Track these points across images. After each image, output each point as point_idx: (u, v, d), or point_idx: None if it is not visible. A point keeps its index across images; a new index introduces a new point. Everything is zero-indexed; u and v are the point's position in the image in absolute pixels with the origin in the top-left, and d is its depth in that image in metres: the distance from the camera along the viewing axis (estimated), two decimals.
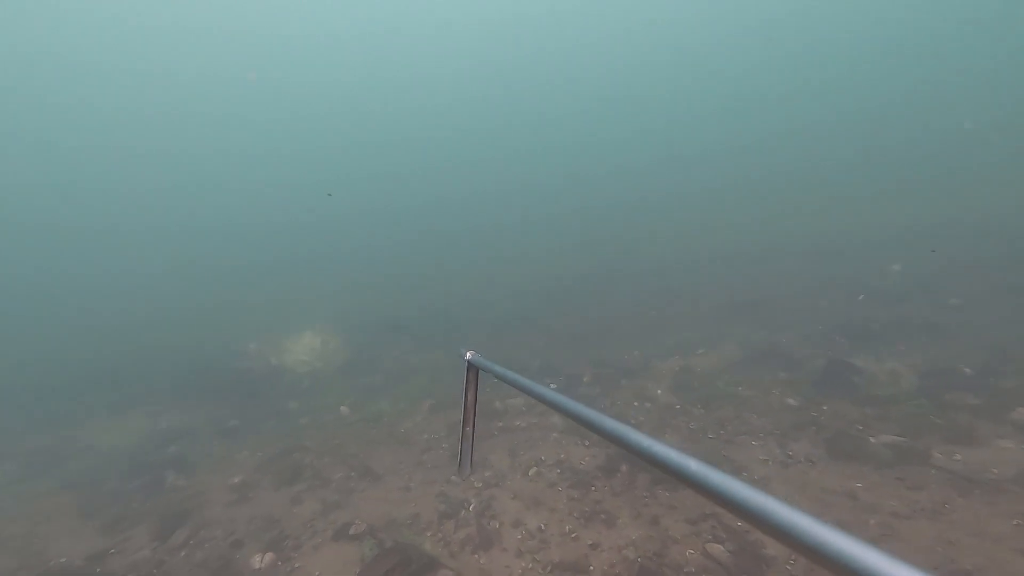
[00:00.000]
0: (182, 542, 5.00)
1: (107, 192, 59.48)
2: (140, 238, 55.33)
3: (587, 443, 5.75)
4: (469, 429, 1.69)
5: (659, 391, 6.92)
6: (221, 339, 13.79)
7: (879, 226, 15.49)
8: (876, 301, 8.96)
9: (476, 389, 1.64)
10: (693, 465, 0.56)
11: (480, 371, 1.56)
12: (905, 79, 51.05)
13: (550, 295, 13.87)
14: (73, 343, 17.35)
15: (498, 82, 66.09)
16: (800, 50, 56.55)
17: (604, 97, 64.44)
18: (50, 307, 29.72)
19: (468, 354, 1.57)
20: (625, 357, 8.47)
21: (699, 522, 3.99)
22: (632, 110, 64.32)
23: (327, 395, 9.71)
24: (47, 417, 9.86)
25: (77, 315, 24.52)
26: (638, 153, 58.43)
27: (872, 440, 4.50)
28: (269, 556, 4.44)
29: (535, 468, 5.40)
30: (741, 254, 15.04)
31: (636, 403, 6.66)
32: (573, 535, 4.15)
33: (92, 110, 55.90)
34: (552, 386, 1.47)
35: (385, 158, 69.54)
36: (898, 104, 46.49)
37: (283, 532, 4.87)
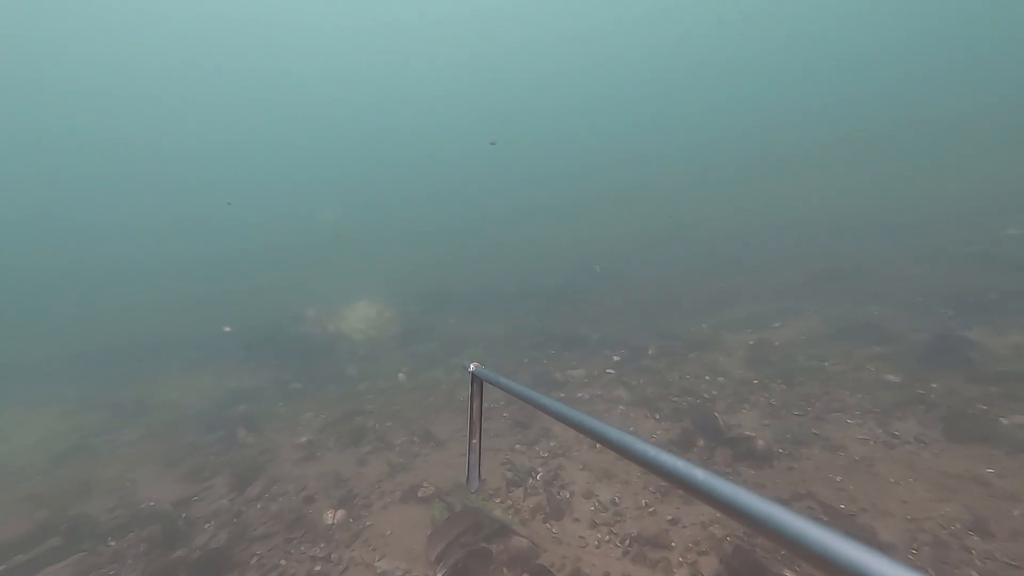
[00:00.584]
0: (257, 495, 5.22)
1: (172, 187, 64.94)
2: (209, 228, 59.78)
3: (657, 416, 5.48)
4: (476, 442, 1.66)
5: (732, 365, 6.50)
6: (282, 309, 14.39)
7: (984, 192, 13.83)
8: (992, 268, 7.99)
9: (481, 401, 1.61)
10: (700, 475, 0.55)
11: (484, 383, 1.53)
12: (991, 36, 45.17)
13: (609, 269, 13.42)
14: (148, 316, 18.82)
15: (553, 62, 63.93)
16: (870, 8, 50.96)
17: (659, 72, 61.13)
18: (130, 287, 32.43)
19: (472, 366, 1.52)
20: (692, 330, 8.05)
21: (793, 502, 3.67)
22: (692, 84, 60.59)
23: (384, 362, 9.90)
24: (129, 373, 10.71)
25: (151, 293, 26.69)
26: (699, 128, 55.29)
27: (1004, 421, 3.96)
28: (341, 513, 4.54)
29: None
30: (814, 226, 13.87)
31: (707, 377, 6.29)
32: (650, 509, 3.95)
33: (151, 110, 59.78)
34: (560, 396, 1.42)
35: (444, 141, 69.60)
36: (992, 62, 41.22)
37: (352, 491, 4.97)
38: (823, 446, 4.33)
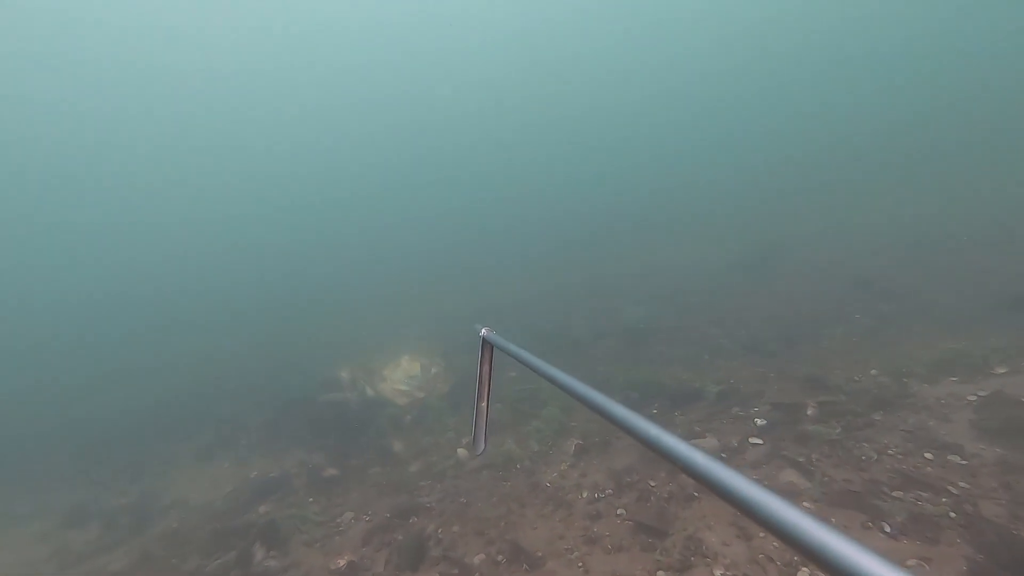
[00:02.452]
0: None
1: (168, 218, 62.44)
2: (209, 260, 56.20)
3: (888, 527, 3.62)
4: (484, 405, 1.77)
5: (959, 434, 4.56)
6: (307, 367, 13.06)
7: None
8: None
9: (491, 366, 1.70)
10: (700, 459, 0.56)
11: (495, 348, 1.58)
12: None
13: (695, 300, 11.55)
14: (154, 381, 17.35)
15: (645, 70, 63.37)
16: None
17: (754, 80, 59.19)
18: (131, 345, 27.86)
19: (483, 330, 1.61)
20: (856, 379, 6.11)
21: None
22: (784, 92, 58.10)
23: (437, 432, 8.27)
24: (130, 462, 9.35)
25: (156, 351, 24.32)
26: (798, 137, 52.75)
27: None
28: None
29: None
30: (963, 238, 11.49)
31: (928, 455, 4.39)
32: None
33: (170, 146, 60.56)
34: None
35: (491, 156, 69.20)
36: None
37: None
38: None
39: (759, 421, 5.72)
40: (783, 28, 55.86)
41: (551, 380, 0.98)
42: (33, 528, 8.04)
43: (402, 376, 10.41)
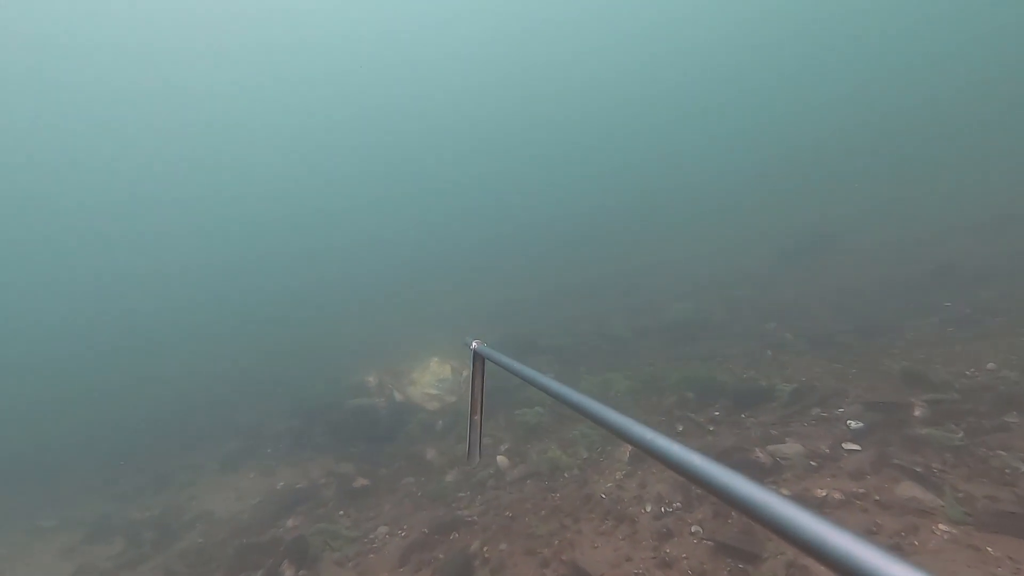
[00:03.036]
0: None
1: (189, 224, 62.57)
2: (231, 265, 55.44)
3: None
4: (477, 418, 1.81)
5: None
6: (332, 372, 12.66)
7: None
8: None
9: (483, 378, 1.74)
10: (697, 460, 0.56)
11: (486, 360, 1.62)
12: None
13: (747, 288, 10.71)
14: (178, 388, 17.01)
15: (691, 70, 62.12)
16: None
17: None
18: (154, 352, 26.92)
19: (474, 343, 1.64)
20: (971, 373, 5.30)
21: None
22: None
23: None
24: (156, 472, 9.01)
25: (178, 358, 23.25)
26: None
27: None
28: None
29: None
30: None
31: None
32: None
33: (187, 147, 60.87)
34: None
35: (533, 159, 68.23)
36: None
37: None
38: None
39: (852, 423, 4.95)
40: (815, 9, 53.58)
41: (544, 390, 0.99)
42: (57, 542, 7.75)
43: (431, 379, 9.88)
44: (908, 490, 3.82)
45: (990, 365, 5.26)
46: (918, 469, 3.99)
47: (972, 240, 10.06)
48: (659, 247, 21.31)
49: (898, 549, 3.34)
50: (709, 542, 4.07)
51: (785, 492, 4.36)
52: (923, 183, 16.82)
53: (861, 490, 4.04)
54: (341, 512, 6.16)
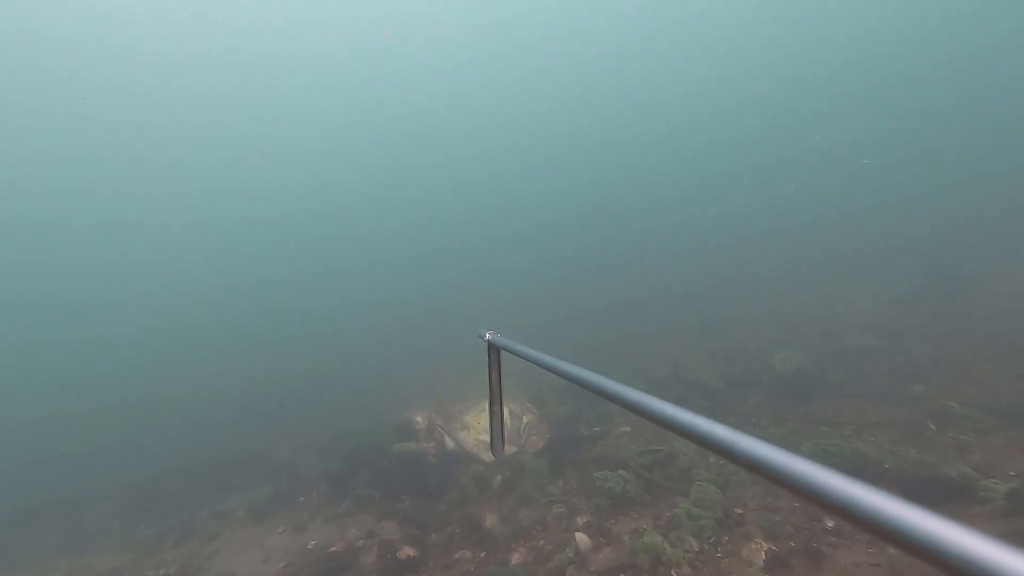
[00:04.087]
0: None
1: (220, 249, 61.80)
2: (265, 288, 53.64)
3: None
4: (497, 409, 1.83)
5: None
6: (375, 407, 11.73)
7: None
8: None
9: (499, 370, 1.75)
10: (721, 431, 0.57)
11: (501, 351, 1.64)
12: None
13: (870, 338, 9.11)
14: (208, 417, 16.12)
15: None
16: None
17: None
18: (185, 378, 24.94)
19: (488, 335, 1.65)
20: None
21: None
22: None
23: (538, 503, 6.52)
24: (184, 523, 8.14)
25: (210, 385, 21.66)
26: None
27: None
28: None
29: None
30: None
31: None
32: None
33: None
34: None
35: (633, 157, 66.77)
36: None
37: None
38: None
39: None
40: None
41: (563, 375, 1.00)
42: None
43: (486, 424, 8.75)
44: None
45: None
46: None
47: None
48: (738, 278, 19.58)
49: None
50: None
51: None
52: None
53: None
54: None
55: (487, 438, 8.58)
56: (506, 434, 2.00)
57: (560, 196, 63.00)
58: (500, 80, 62.82)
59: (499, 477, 7.56)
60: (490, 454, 8.29)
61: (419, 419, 8.96)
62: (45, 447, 16.08)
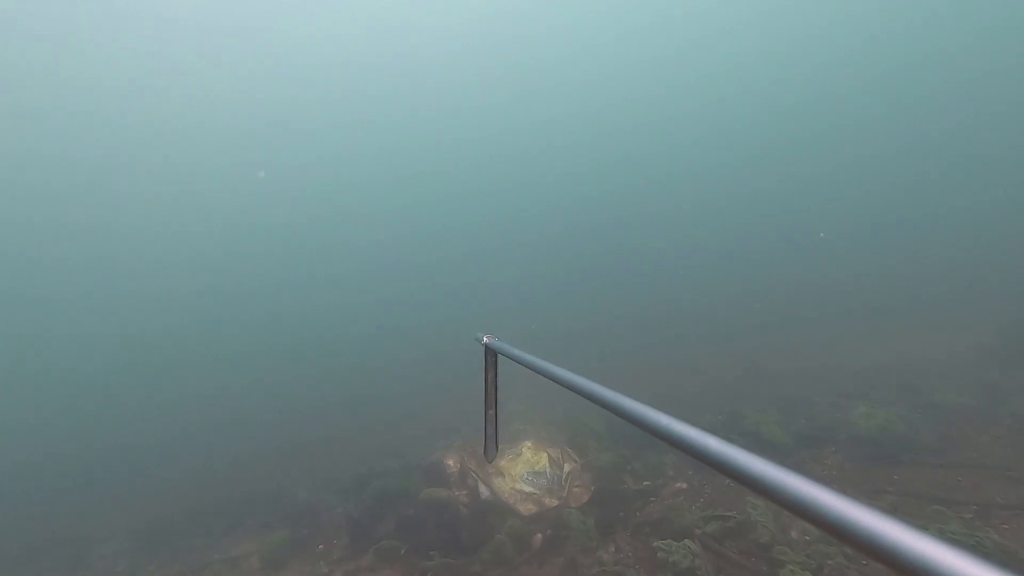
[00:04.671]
0: None
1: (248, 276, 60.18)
2: (283, 310, 51.78)
3: None
4: (492, 412, 1.91)
5: None
6: (401, 445, 11.08)
7: None
8: None
9: (496, 372, 1.80)
10: (714, 443, 0.58)
11: (498, 355, 1.68)
12: None
13: (960, 395, 8.15)
14: (226, 449, 15.19)
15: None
16: None
17: None
18: (206, 405, 23.45)
19: (485, 338, 1.71)
20: None
21: None
22: None
23: (588, 572, 5.69)
24: (193, 571, 7.50)
25: (228, 413, 20.54)
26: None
27: None
28: None
29: None
30: None
31: None
32: None
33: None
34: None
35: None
36: None
37: None
38: None
39: None
40: None
41: (559, 381, 1.00)
42: None
43: (523, 471, 8.01)
44: None
45: None
46: None
47: None
48: (789, 318, 18.50)
49: None
50: None
51: None
52: None
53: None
54: None
55: (525, 486, 7.82)
56: (498, 436, 1.99)
57: (595, 229, 61.31)
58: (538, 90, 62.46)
59: (539, 536, 6.79)
60: (529, 505, 7.55)
61: (450, 462, 8.26)
62: (53, 478, 15.66)
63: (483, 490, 7.73)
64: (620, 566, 5.75)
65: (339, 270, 61.90)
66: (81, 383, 37.69)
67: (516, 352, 1.34)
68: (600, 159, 66.01)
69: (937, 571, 0.35)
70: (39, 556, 9.46)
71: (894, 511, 5.50)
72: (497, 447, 2.01)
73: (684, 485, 7.41)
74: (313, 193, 64.69)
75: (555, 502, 7.44)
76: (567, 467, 8.09)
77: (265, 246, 63.12)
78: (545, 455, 8.29)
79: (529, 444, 8.53)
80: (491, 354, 1.72)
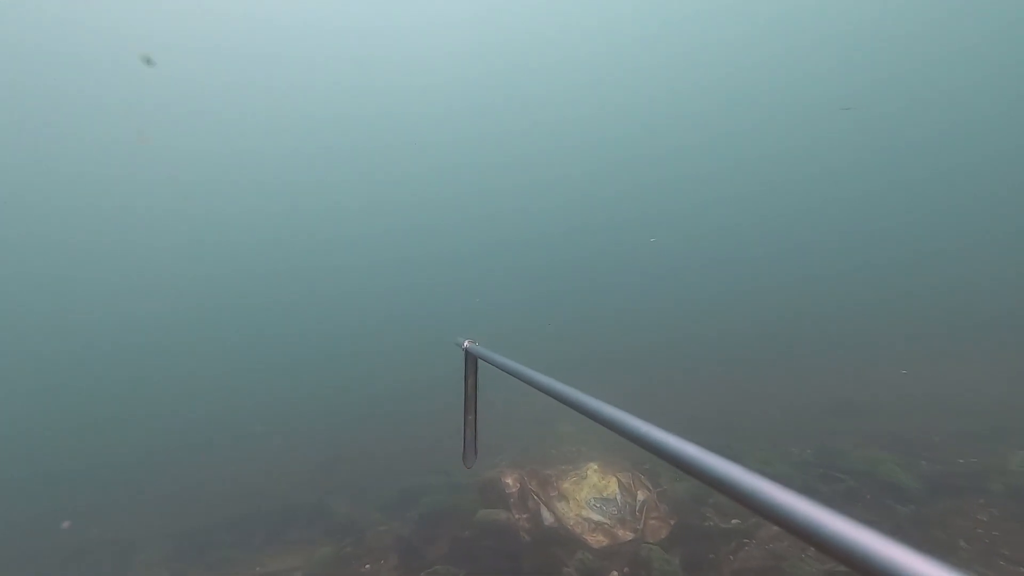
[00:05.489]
0: None
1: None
2: (324, 303, 51.52)
3: None
4: (471, 418, 1.88)
5: None
6: (454, 459, 10.39)
7: None
8: None
9: (476, 377, 1.77)
10: (691, 450, 0.57)
11: (479, 360, 1.65)
12: None
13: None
14: (265, 457, 14.98)
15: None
16: None
17: None
18: (240, 415, 22.16)
19: (466, 343, 1.67)
20: None
21: None
22: None
23: None
24: None
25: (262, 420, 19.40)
26: None
27: None
28: None
29: None
30: None
31: None
32: None
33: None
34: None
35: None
36: None
37: None
38: None
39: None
40: None
41: (539, 388, 0.98)
42: None
43: (590, 496, 7.21)
44: None
45: None
46: None
47: None
48: (879, 343, 16.94)
49: None
50: None
51: None
52: None
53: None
54: None
55: (593, 514, 7.00)
56: (477, 443, 1.91)
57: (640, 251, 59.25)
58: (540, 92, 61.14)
59: (616, 573, 5.97)
60: (600, 537, 6.74)
61: (509, 480, 7.57)
62: (100, 481, 15.64)
63: (546, 515, 6.97)
64: None
65: (381, 283, 61.80)
66: (128, 389, 38.25)
67: (497, 357, 1.31)
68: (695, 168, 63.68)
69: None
70: (86, 556, 9.29)
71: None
72: (476, 454, 1.97)
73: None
74: (359, 206, 65.03)
75: (629, 535, 6.59)
76: (640, 495, 7.23)
77: (304, 257, 63.64)
78: (614, 480, 7.47)
79: (595, 466, 7.72)
80: (471, 359, 1.70)
